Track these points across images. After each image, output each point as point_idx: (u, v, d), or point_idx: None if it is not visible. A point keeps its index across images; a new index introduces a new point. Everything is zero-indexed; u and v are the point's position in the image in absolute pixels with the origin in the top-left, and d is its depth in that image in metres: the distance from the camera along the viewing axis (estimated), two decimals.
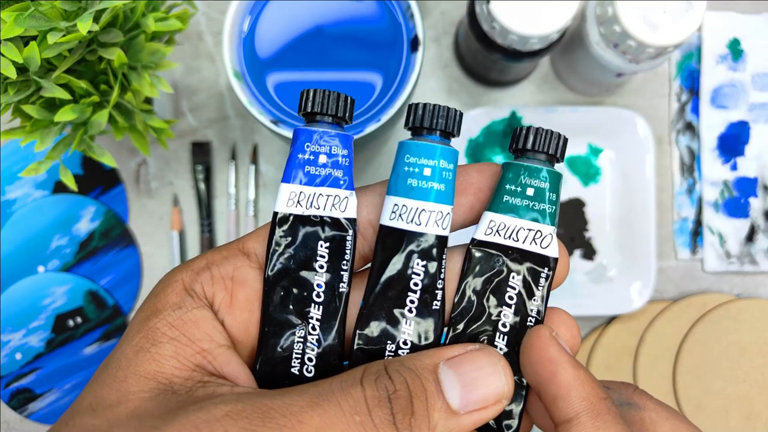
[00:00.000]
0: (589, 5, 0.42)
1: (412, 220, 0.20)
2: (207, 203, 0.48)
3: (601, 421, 0.18)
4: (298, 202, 0.21)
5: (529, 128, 0.21)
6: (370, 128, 0.37)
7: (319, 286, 0.21)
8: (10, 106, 0.34)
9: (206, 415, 0.17)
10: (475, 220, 0.22)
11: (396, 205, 0.20)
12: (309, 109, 0.21)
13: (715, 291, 0.49)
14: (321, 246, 0.21)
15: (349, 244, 0.21)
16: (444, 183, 0.20)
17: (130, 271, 0.48)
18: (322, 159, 0.21)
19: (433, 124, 0.21)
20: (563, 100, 0.50)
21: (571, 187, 0.49)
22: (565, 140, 0.21)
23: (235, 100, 0.49)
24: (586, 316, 0.48)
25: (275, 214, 0.21)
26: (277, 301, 0.20)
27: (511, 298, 0.21)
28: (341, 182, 0.21)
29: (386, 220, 0.20)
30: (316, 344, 0.21)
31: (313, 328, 0.21)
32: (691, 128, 0.50)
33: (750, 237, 0.49)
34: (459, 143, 0.47)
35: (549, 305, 0.21)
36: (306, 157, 0.21)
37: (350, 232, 0.21)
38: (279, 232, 0.20)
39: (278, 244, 0.20)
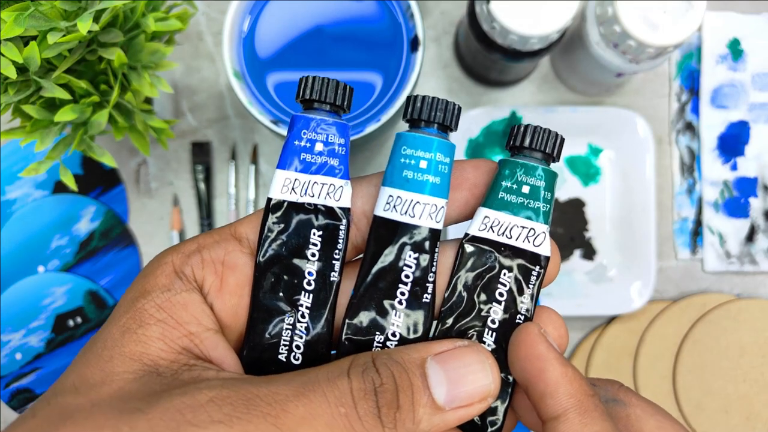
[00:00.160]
0: (589, 5, 0.42)
1: (406, 212, 0.20)
2: (207, 203, 0.48)
3: (588, 418, 0.18)
4: (293, 189, 0.20)
5: (526, 126, 0.21)
6: (370, 128, 0.37)
7: (310, 274, 0.20)
8: (10, 106, 0.34)
9: (190, 400, 0.17)
10: (469, 216, 0.22)
11: (391, 196, 0.20)
12: (307, 96, 0.21)
13: (715, 291, 0.49)
14: (314, 234, 0.20)
15: (342, 234, 0.21)
16: (440, 176, 0.20)
17: (130, 271, 0.48)
18: (319, 147, 0.21)
19: (431, 116, 0.21)
20: (563, 100, 0.50)
21: (571, 187, 0.49)
22: (562, 139, 0.21)
23: (235, 100, 0.49)
24: (586, 316, 0.48)
25: (269, 200, 0.20)
26: (267, 287, 0.20)
27: (501, 294, 0.21)
28: (337, 171, 0.21)
29: (380, 211, 0.20)
30: (305, 332, 0.20)
31: (303, 316, 0.20)
32: (691, 128, 0.50)
33: (750, 237, 0.49)
34: (459, 143, 0.47)
35: (542, 304, 0.21)
36: (302, 144, 0.20)
37: (344, 221, 0.21)
38: (272, 218, 0.20)
39: (271, 231, 0.20)
